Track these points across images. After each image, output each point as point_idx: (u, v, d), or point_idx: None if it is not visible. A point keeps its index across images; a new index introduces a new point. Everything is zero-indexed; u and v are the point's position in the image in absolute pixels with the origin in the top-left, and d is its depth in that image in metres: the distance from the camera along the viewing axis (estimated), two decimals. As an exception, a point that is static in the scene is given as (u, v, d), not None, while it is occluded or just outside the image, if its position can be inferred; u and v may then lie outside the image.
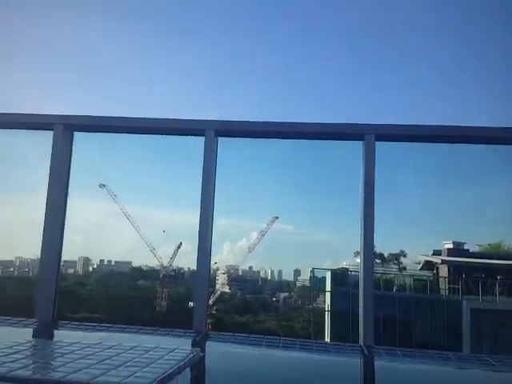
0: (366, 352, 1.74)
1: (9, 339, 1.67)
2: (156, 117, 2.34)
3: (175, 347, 1.29)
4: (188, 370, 1.10)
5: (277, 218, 30.71)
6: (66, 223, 2.42)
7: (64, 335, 1.83)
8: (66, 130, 2.39)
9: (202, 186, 2.26)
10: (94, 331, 1.83)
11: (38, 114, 2.42)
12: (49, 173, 2.38)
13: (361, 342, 1.84)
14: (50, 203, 2.37)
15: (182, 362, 1.08)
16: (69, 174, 2.43)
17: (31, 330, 1.91)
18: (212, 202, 2.28)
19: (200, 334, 1.92)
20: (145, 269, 35.74)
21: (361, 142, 2.16)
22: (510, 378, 1.57)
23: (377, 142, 2.15)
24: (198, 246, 2.22)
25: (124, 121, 2.45)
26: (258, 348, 1.73)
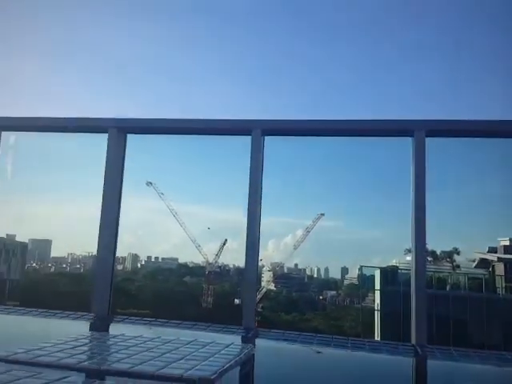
0: (419, 351, 1.72)
1: (72, 332, 1.77)
2: (201, 117, 2.40)
3: (230, 343, 1.33)
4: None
5: (322, 214, 30.48)
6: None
7: (120, 329, 1.90)
8: (119, 132, 2.48)
9: (250, 185, 2.29)
10: (150, 326, 1.89)
11: (94, 118, 2.52)
12: (104, 173, 2.47)
13: (413, 341, 1.83)
14: (105, 203, 2.46)
15: (238, 357, 1.12)
16: (122, 175, 2.52)
17: (88, 323, 2.00)
18: (259, 199, 2.31)
19: (251, 331, 1.96)
20: (191, 265, 36.23)
21: (410, 138, 2.14)
22: None
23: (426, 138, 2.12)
24: (247, 244, 2.25)
25: (173, 122, 2.52)
26: (310, 346, 1.75)
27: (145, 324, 1.94)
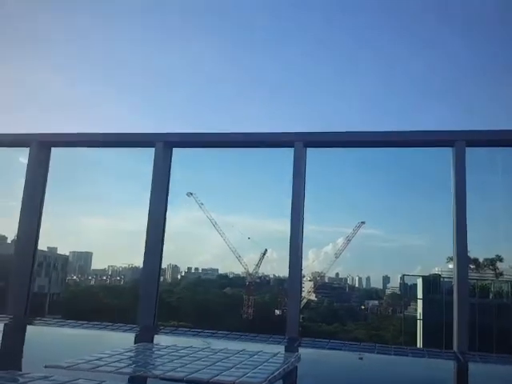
0: (460, 358, 1.72)
1: (119, 343, 1.84)
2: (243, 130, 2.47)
3: (277, 352, 1.37)
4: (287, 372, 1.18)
5: (363, 222, 30.13)
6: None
7: (167, 340, 1.97)
8: (165, 146, 2.58)
9: (293, 196, 2.34)
10: (196, 337, 1.95)
11: (142, 133, 2.63)
12: (151, 186, 2.57)
13: (455, 348, 1.82)
14: (152, 216, 2.55)
15: (286, 365, 1.16)
16: (168, 188, 2.61)
17: (134, 334, 2.06)
18: (302, 210, 2.36)
19: (295, 341, 1.99)
20: (231, 276, 36.33)
21: (450, 148, 2.15)
22: None
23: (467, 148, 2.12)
24: (290, 253, 2.30)
25: (216, 136, 2.60)
26: (353, 353, 1.77)
27: (191, 335, 1.99)
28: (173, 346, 1.36)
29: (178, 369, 1.05)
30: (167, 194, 2.62)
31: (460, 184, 2.08)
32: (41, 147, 2.66)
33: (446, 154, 2.15)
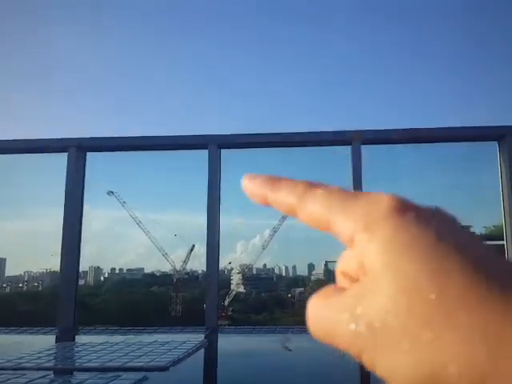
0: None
1: (39, 344, 1.89)
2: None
3: (186, 340, 1.51)
4: (201, 354, 1.32)
5: (288, 214, 30.83)
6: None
7: (87, 339, 2.04)
8: (78, 151, 2.63)
9: (208, 194, 2.47)
10: (114, 334, 2.04)
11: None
12: (64, 191, 2.59)
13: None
14: (67, 217, 2.58)
15: (191, 350, 1.30)
16: (83, 192, 2.65)
17: (54, 336, 2.11)
18: (218, 207, 2.50)
19: (213, 329, 2.13)
20: (157, 274, 35.85)
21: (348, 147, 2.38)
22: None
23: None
24: (207, 246, 2.43)
25: (132, 140, 2.67)
26: (269, 336, 1.94)
27: (110, 333, 2.08)
28: (90, 343, 1.45)
29: (93, 360, 1.15)
30: (82, 198, 2.66)
31: (356, 178, 2.31)
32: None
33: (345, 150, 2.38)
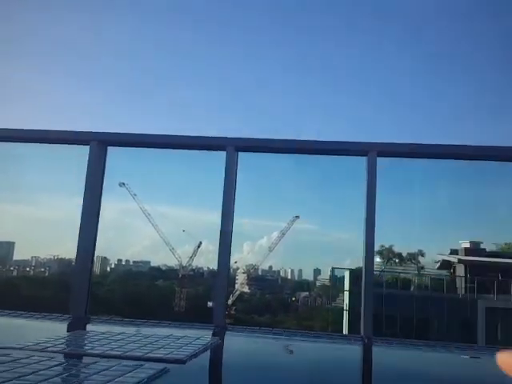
0: (365, 341, 1.99)
1: (52, 331, 1.96)
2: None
3: (200, 336, 1.57)
4: (209, 352, 1.38)
5: (297, 217, 30.83)
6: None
7: (99, 329, 2.10)
8: (100, 145, 2.69)
9: (224, 195, 2.52)
10: (129, 325, 2.10)
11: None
12: (85, 182, 2.67)
13: (362, 332, 2.09)
14: (86, 205, 2.66)
15: (207, 345, 1.36)
16: (102, 184, 2.72)
17: (66, 324, 2.18)
18: (232, 208, 2.55)
19: (221, 328, 2.19)
20: (163, 268, 35.92)
21: (364, 158, 2.42)
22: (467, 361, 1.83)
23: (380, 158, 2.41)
24: (220, 241, 2.49)
25: (153, 137, 2.74)
26: (275, 338, 1.99)
27: (123, 324, 2.14)
28: (107, 332, 1.51)
29: (115, 349, 1.21)
30: (101, 190, 2.73)
31: (371, 189, 2.35)
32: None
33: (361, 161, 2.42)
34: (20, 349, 1.17)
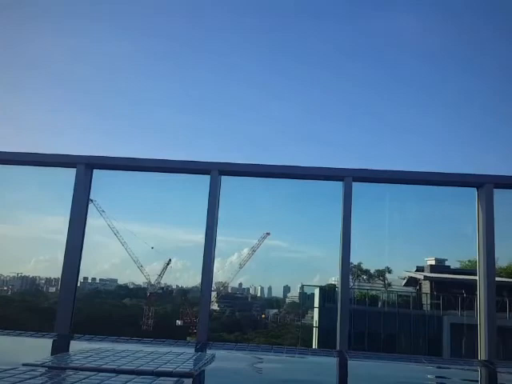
0: (341, 355, 2.14)
1: (36, 348, 2.02)
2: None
3: (183, 351, 1.67)
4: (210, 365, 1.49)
5: (268, 233, 30.83)
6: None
7: (84, 345, 2.16)
8: (86, 168, 2.80)
9: (208, 213, 2.65)
10: (110, 342, 2.18)
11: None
12: (71, 203, 2.76)
13: (338, 347, 2.23)
14: (72, 226, 2.75)
15: (206, 361, 1.48)
16: (87, 205, 2.81)
17: (51, 341, 2.25)
18: (215, 229, 2.69)
19: (205, 344, 2.30)
20: (131, 286, 35.36)
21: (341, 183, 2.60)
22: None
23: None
24: (203, 264, 2.63)
25: (135, 161, 2.85)
26: (254, 353, 2.12)
27: (107, 341, 2.22)
28: (98, 348, 1.61)
29: (126, 364, 1.31)
30: (87, 211, 2.84)
31: (347, 212, 2.52)
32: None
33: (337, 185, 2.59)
34: (41, 365, 1.26)
